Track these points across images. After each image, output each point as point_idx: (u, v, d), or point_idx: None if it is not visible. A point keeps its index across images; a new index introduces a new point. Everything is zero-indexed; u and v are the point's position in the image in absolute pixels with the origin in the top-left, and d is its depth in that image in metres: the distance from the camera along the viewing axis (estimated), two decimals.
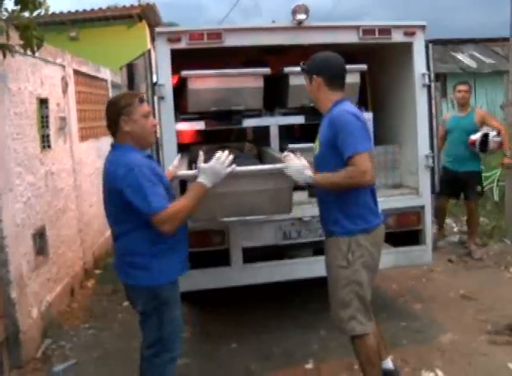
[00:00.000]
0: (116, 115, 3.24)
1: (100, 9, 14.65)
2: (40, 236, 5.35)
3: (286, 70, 4.76)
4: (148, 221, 3.11)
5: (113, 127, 3.28)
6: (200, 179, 3.27)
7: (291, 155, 3.61)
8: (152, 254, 3.22)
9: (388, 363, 3.95)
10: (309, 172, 3.49)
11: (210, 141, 5.66)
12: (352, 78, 4.85)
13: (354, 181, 3.37)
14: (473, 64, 25.77)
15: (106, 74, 9.09)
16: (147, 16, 15.30)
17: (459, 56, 26.42)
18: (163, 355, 3.34)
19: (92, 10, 14.54)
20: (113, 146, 3.31)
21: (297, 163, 3.53)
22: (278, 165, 3.63)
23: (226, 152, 3.37)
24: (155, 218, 3.08)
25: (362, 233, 3.54)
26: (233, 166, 3.37)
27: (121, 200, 3.11)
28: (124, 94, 3.56)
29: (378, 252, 3.68)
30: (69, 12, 14.39)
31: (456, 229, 8.35)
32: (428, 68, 4.87)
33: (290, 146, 4.69)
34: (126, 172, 3.08)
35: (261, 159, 5.00)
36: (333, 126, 3.45)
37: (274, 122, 4.96)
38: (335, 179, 3.42)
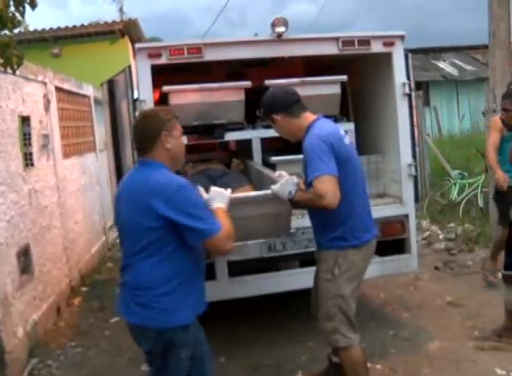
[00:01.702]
0: (157, 129, 2.97)
1: (82, 25, 14.66)
2: (24, 255, 5.30)
3: (267, 82, 4.79)
4: (196, 244, 2.91)
5: (149, 142, 2.98)
6: (217, 204, 3.12)
7: (284, 174, 3.67)
8: (165, 292, 2.91)
9: None
10: (293, 188, 3.52)
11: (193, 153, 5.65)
12: (333, 89, 4.91)
13: (315, 203, 3.44)
14: (454, 72, 25.98)
15: (88, 90, 9.08)
16: (129, 31, 15.31)
17: (441, 64, 26.63)
18: None
19: (75, 27, 14.54)
20: (146, 163, 3.00)
21: (285, 179, 3.58)
22: (269, 191, 3.63)
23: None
24: (218, 237, 2.86)
25: (351, 248, 3.58)
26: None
27: (159, 222, 2.83)
28: (160, 108, 3.29)
29: (366, 266, 3.73)
30: (51, 29, 14.38)
31: (441, 237, 8.38)
32: (408, 77, 4.92)
33: (273, 158, 4.71)
34: (180, 193, 2.84)
35: (248, 174, 5.02)
36: (304, 153, 3.55)
37: (256, 135, 4.98)
38: (307, 199, 3.49)
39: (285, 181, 3.57)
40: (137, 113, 4.45)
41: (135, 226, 2.91)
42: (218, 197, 3.16)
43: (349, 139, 3.73)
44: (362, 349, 3.70)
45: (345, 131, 3.74)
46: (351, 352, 3.64)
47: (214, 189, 3.21)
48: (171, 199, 2.82)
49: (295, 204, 3.60)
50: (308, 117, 3.64)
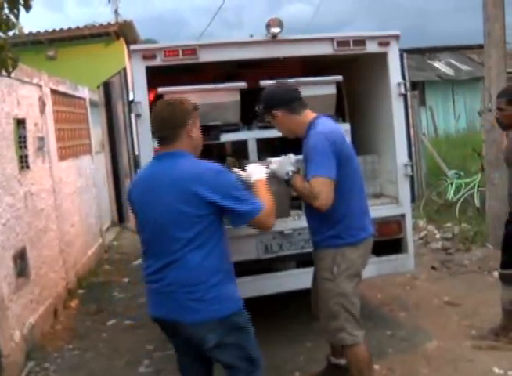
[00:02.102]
0: (184, 118, 2.98)
1: (78, 27, 14.66)
2: (21, 258, 5.29)
3: (263, 83, 4.77)
4: (241, 225, 3.00)
5: (175, 130, 2.97)
6: (257, 177, 3.23)
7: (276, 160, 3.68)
8: (217, 282, 2.92)
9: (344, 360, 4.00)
10: (291, 168, 3.53)
11: None
12: (328, 89, 4.90)
13: (307, 200, 3.50)
14: (450, 72, 26.03)
15: (84, 92, 9.07)
16: (125, 33, 15.32)
17: (437, 64, 26.67)
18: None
19: (70, 29, 14.55)
20: (173, 154, 2.97)
21: (283, 157, 3.60)
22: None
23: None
24: (262, 215, 2.91)
25: (348, 246, 3.58)
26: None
27: (206, 209, 2.85)
28: (182, 98, 3.20)
29: (364, 263, 3.74)
30: (46, 31, 14.38)
31: (438, 236, 8.38)
32: (404, 77, 4.92)
33: (269, 159, 4.70)
34: (222, 178, 2.90)
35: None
36: (307, 149, 3.53)
37: (252, 136, 4.98)
38: (302, 190, 3.48)
39: (282, 159, 3.59)
40: (132, 115, 4.46)
41: (182, 217, 2.85)
42: (256, 171, 3.27)
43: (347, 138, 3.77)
44: (366, 347, 3.70)
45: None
46: (356, 350, 3.64)
47: (250, 165, 3.37)
48: (215, 184, 2.85)
49: (290, 186, 3.62)
50: (309, 114, 3.64)
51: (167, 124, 2.99)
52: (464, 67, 26.30)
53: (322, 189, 3.36)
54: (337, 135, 3.53)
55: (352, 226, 3.59)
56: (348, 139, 4.77)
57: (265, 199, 3.02)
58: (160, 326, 3.12)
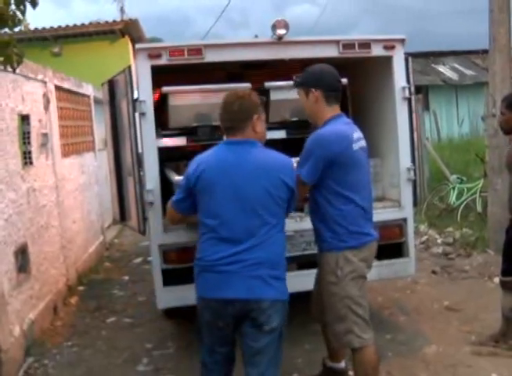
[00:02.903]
0: (251, 110, 3.18)
1: (83, 24, 14.69)
2: (22, 254, 5.30)
3: (267, 85, 4.79)
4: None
5: (242, 122, 3.17)
6: None
7: None
8: (285, 264, 3.26)
9: (340, 364, 4.15)
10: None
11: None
12: None
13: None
14: (454, 76, 26.03)
15: (88, 89, 9.08)
16: (130, 31, 15.34)
17: (441, 68, 26.68)
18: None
19: (75, 26, 14.58)
20: (247, 142, 3.19)
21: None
22: None
23: None
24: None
25: (350, 250, 3.57)
26: None
27: (287, 194, 3.17)
28: (250, 92, 3.40)
29: (369, 266, 3.73)
30: (51, 27, 14.41)
31: (439, 241, 8.38)
32: (408, 81, 4.91)
33: None
34: (294, 168, 3.29)
35: None
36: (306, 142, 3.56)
37: None
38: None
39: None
40: (137, 113, 4.45)
41: (272, 199, 3.11)
42: None
43: (362, 144, 3.65)
44: (375, 350, 3.69)
45: (360, 136, 3.68)
46: (365, 354, 3.63)
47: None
48: (292, 173, 3.22)
49: None
50: (336, 110, 3.63)
51: (236, 115, 3.17)
52: (468, 72, 26.30)
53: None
54: (339, 140, 3.49)
55: (355, 230, 3.58)
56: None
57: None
58: (216, 311, 3.17)
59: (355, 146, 3.54)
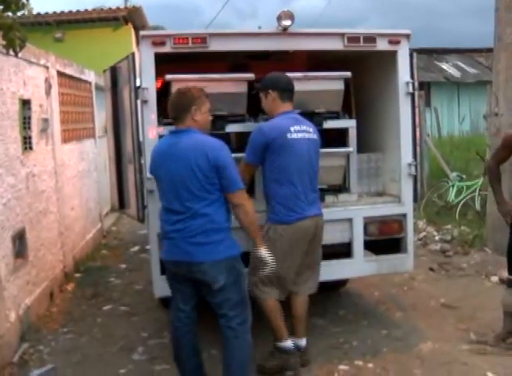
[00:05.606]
0: (188, 103, 3.72)
1: (86, 10, 14.62)
2: (19, 239, 5.28)
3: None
4: (225, 195, 3.68)
5: (182, 113, 3.73)
6: None
7: None
8: (227, 228, 3.73)
9: (302, 341, 4.50)
10: None
11: None
12: (336, 85, 4.87)
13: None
14: (457, 74, 25.98)
15: (90, 76, 9.04)
16: (133, 18, 15.28)
17: (444, 66, 26.62)
18: (246, 322, 3.83)
19: (78, 11, 14.51)
20: (187, 130, 3.71)
21: None
22: None
23: None
24: (240, 193, 3.70)
25: (281, 224, 4.19)
26: None
27: (214, 172, 3.59)
28: (193, 87, 3.90)
29: (298, 245, 4.23)
30: (54, 12, 14.33)
31: (437, 238, 8.38)
32: (412, 76, 4.89)
33: None
34: (225, 150, 3.69)
35: None
36: None
37: None
38: None
39: None
40: (139, 101, 4.44)
41: (199, 175, 3.61)
42: None
43: (304, 135, 4.25)
44: (275, 301, 4.28)
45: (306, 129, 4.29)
46: (267, 303, 4.27)
47: None
48: (219, 152, 3.67)
49: None
50: (286, 107, 4.32)
51: (178, 106, 3.77)
52: (471, 70, 26.25)
53: (241, 168, 4.10)
54: (273, 129, 4.19)
55: (287, 208, 4.17)
56: (354, 135, 4.91)
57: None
58: (173, 271, 3.87)
59: (291, 135, 4.18)
